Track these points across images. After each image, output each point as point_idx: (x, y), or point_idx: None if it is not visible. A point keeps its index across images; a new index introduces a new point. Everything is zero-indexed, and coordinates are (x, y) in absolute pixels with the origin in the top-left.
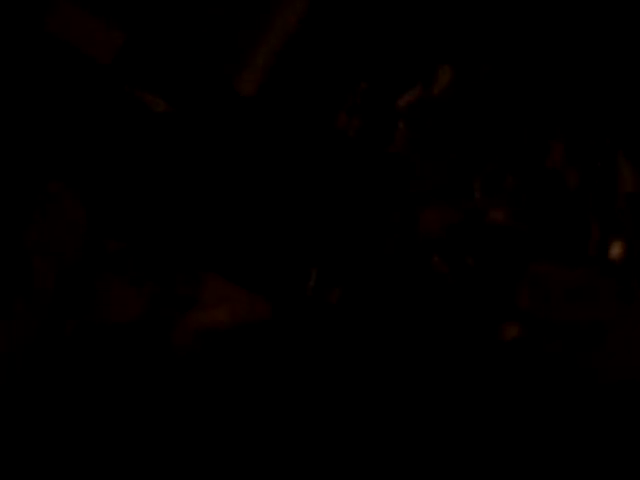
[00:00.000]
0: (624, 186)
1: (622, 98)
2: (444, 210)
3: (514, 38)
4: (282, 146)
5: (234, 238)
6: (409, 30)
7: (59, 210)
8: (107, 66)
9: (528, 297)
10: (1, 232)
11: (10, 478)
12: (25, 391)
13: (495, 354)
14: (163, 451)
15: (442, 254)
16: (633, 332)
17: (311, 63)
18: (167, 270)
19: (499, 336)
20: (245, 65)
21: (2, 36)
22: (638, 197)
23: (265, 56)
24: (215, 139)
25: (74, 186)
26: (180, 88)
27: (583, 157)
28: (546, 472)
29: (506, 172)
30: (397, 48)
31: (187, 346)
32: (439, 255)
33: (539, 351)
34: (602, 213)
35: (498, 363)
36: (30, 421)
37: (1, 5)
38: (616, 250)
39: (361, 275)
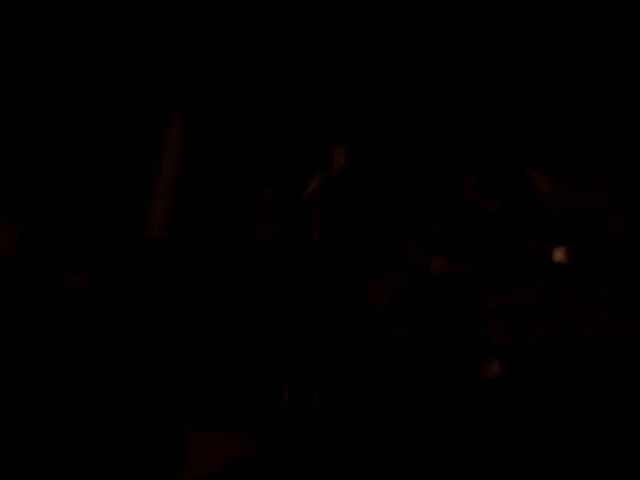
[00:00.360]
0: (542, 195)
1: (512, 117)
2: (387, 278)
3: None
4: (213, 277)
5: (198, 385)
6: (289, 126)
7: None
8: (14, 256)
9: (496, 330)
10: None
11: None
12: None
13: (484, 393)
14: None
15: (400, 321)
16: (603, 326)
17: (210, 188)
18: (146, 439)
19: (483, 376)
20: (149, 210)
21: None
22: (557, 202)
23: (164, 194)
24: (142, 290)
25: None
26: (93, 255)
27: (495, 182)
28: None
29: (431, 221)
30: (282, 146)
31: None
32: (398, 322)
33: (521, 376)
34: (531, 226)
35: (489, 400)
36: None
37: None
38: (559, 255)
39: (332, 371)
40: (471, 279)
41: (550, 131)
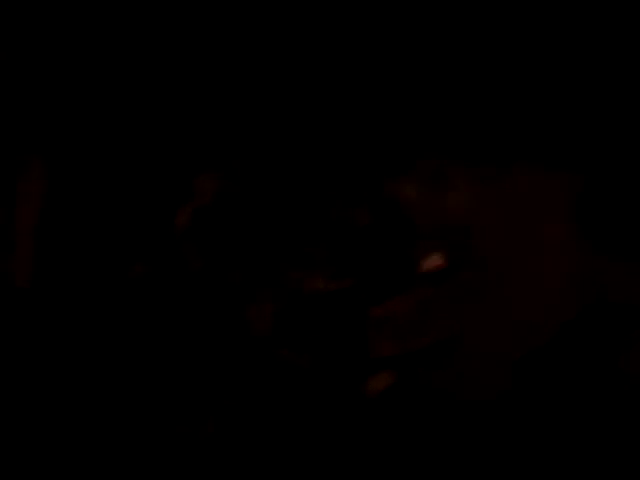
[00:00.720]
0: (409, 201)
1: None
2: (265, 303)
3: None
4: (91, 318)
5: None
6: (152, 163)
7: None
8: None
9: (383, 341)
10: None
11: None
12: None
13: (374, 408)
14: None
15: (285, 344)
16: (487, 328)
17: (76, 229)
18: None
19: (369, 392)
20: (12, 257)
21: None
22: (425, 206)
23: (24, 243)
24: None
25: None
26: None
27: (360, 193)
28: None
29: (302, 240)
30: (147, 182)
31: None
32: (283, 346)
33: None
34: (403, 233)
35: (381, 415)
36: None
37: None
38: (436, 260)
39: (224, 399)
40: (350, 293)
41: (406, 136)
